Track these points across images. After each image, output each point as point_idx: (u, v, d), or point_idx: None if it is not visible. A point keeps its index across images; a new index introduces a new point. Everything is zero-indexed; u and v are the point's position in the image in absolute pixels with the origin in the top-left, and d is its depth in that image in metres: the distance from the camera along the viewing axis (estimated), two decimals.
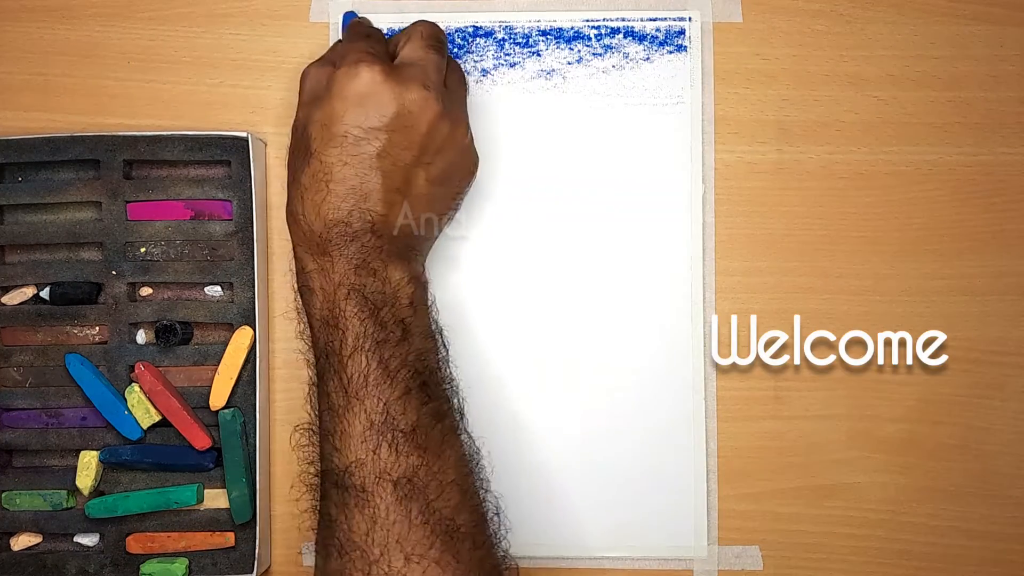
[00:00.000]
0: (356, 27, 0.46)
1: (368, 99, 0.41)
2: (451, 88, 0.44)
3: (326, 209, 0.41)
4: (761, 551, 0.49)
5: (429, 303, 0.44)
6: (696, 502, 0.49)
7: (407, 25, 0.45)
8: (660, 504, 0.49)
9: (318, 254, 0.41)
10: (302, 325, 0.44)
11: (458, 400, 0.43)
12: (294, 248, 0.43)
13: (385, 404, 0.39)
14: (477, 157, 0.46)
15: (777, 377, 0.49)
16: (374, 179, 0.41)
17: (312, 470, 0.43)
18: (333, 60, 0.43)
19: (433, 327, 0.43)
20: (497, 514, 0.43)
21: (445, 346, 0.44)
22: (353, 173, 0.41)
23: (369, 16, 0.50)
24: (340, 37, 0.49)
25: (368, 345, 0.40)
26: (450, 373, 0.44)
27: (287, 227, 0.43)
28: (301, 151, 0.42)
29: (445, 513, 0.39)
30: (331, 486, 0.40)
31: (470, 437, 0.43)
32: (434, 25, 0.45)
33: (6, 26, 0.50)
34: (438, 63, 0.43)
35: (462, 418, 0.43)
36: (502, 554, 0.42)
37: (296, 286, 0.43)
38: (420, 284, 0.43)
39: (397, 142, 0.41)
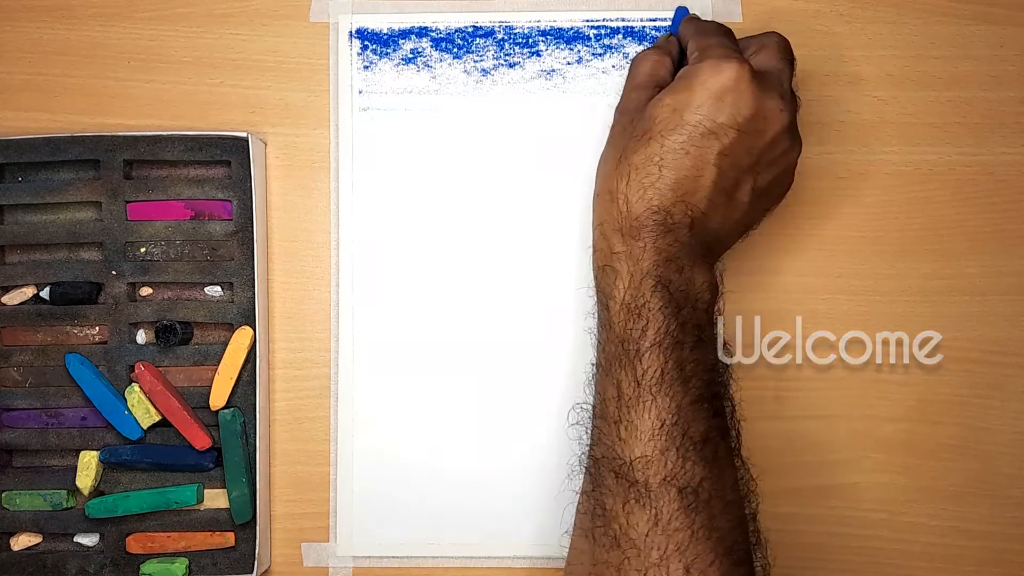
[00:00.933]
0: (704, 23, 0.46)
1: (729, 95, 0.40)
2: (796, 105, 0.44)
3: (652, 193, 0.41)
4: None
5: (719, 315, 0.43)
6: None
7: (760, 34, 0.45)
8: None
9: (629, 236, 0.41)
10: (595, 306, 0.43)
11: (736, 422, 0.42)
12: (599, 226, 0.42)
13: (678, 407, 0.38)
14: (793, 179, 0.45)
15: (777, 377, 0.49)
16: (708, 175, 0.41)
17: (580, 450, 0.41)
18: (668, 51, 0.44)
19: (721, 340, 0.42)
20: (760, 545, 0.42)
21: (728, 364, 0.43)
22: (691, 164, 0.41)
23: (369, 16, 0.50)
24: (669, 29, 0.49)
25: (668, 343, 0.39)
26: (732, 392, 0.43)
27: (593, 204, 0.43)
28: (637, 132, 0.42)
29: (727, 532, 0.38)
30: (609, 474, 0.39)
31: (744, 464, 0.42)
32: (785, 38, 0.45)
33: (6, 26, 0.50)
34: (790, 77, 0.43)
35: (738, 442, 0.42)
36: None
37: (597, 264, 0.42)
38: (716, 292, 0.42)
39: (742, 144, 0.41)
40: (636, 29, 0.50)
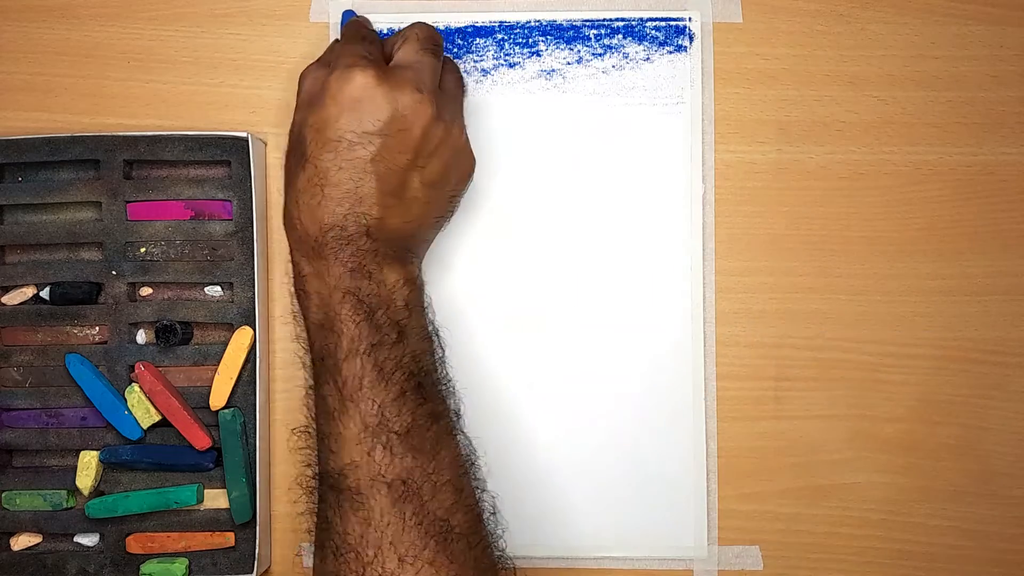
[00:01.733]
0: (353, 28, 0.46)
1: (362, 103, 0.41)
2: (447, 91, 0.44)
3: (321, 213, 0.41)
4: (761, 551, 0.49)
5: (425, 304, 0.44)
6: (696, 502, 0.49)
7: (404, 27, 0.45)
8: (660, 504, 0.49)
9: (314, 258, 0.41)
10: (299, 328, 0.44)
11: (454, 401, 0.43)
12: (291, 252, 0.43)
13: (380, 406, 0.39)
14: (473, 159, 0.46)
15: (777, 377, 0.49)
16: (369, 183, 0.41)
17: (310, 472, 0.43)
18: (330, 62, 0.43)
19: (429, 328, 0.43)
20: (493, 514, 0.43)
21: (441, 347, 0.44)
22: (348, 177, 0.41)
23: (368, 16, 0.50)
24: (338, 36, 0.49)
25: (363, 348, 0.40)
26: (446, 374, 0.44)
27: (284, 230, 0.43)
28: (297, 155, 0.42)
29: (440, 514, 0.39)
30: (327, 489, 0.40)
31: (466, 437, 0.43)
32: (430, 27, 0.45)
33: (6, 26, 0.50)
34: (433, 65, 0.43)
35: (458, 419, 0.43)
36: (498, 554, 0.42)
37: (292, 289, 0.43)
38: (416, 286, 0.43)
39: (391, 146, 0.41)
40: (636, 29, 0.50)
